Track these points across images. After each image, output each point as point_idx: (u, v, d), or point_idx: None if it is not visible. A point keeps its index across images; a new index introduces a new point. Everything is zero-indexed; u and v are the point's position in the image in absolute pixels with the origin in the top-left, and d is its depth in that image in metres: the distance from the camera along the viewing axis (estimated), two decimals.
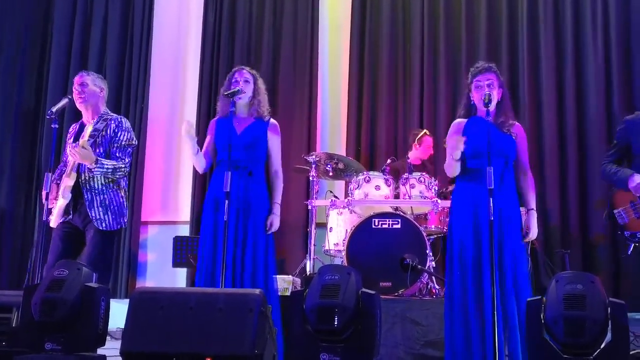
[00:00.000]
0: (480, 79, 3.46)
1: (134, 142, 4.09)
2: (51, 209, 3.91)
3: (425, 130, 5.72)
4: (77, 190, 3.90)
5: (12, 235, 6.68)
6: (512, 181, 3.46)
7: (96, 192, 3.91)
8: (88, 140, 3.91)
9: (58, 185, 3.97)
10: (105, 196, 3.93)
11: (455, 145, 3.32)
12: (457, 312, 3.29)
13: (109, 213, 3.92)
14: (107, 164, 3.89)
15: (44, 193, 3.71)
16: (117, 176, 3.97)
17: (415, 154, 5.67)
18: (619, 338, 2.54)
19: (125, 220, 4.05)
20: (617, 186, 3.99)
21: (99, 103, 4.08)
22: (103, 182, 3.93)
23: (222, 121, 3.83)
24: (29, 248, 6.54)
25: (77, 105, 4.05)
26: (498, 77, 3.50)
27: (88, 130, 3.92)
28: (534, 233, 3.45)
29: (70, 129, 4.19)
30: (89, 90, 4.04)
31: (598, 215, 5.66)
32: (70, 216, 3.91)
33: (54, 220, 3.92)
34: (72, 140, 4.01)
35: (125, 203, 4.05)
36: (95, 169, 3.85)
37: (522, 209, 3.50)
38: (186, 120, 3.69)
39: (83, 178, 3.89)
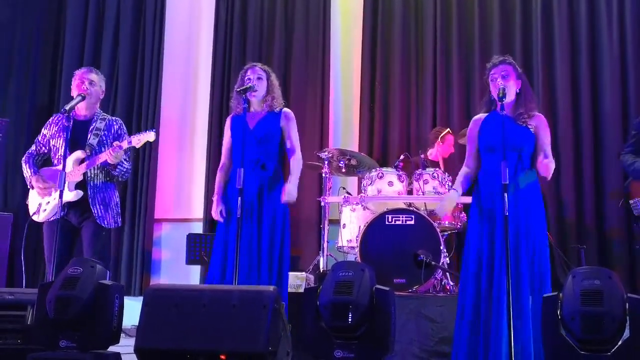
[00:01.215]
0: (495, 71, 3.43)
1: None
2: (40, 202, 3.96)
3: (448, 129, 5.71)
4: (78, 187, 3.96)
5: (27, 233, 6.68)
6: (528, 174, 3.41)
7: (97, 189, 4.00)
8: (93, 138, 3.97)
9: (41, 178, 4.00)
10: (105, 194, 4.03)
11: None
12: (467, 309, 3.26)
13: (109, 211, 4.03)
14: (126, 166, 4.04)
15: (57, 190, 3.72)
16: (125, 177, 4.12)
17: (437, 152, 5.66)
18: (637, 334, 2.51)
19: (120, 220, 4.17)
20: (633, 177, 3.95)
21: (96, 103, 4.14)
22: (104, 180, 4.02)
23: (236, 118, 3.86)
24: (40, 245, 6.57)
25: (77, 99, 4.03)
26: (515, 68, 3.46)
27: (144, 140, 3.93)
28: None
29: (54, 119, 4.20)
30: (95, 90, 4.10)
31: (614, 208, 5.59)
32: (65, 212, 3.92)
33: (44, 215, 3.95)
34: (68, 135, 3.83)
35: (119, 202, 4.16)
36: (117, 168, 3.96)
37: None
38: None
39: (88, 175, 3.96)
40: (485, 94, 3.57)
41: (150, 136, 3.93)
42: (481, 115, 3.55)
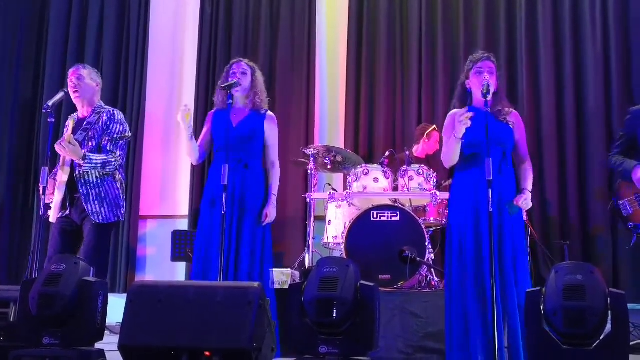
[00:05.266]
0: (482, 65, 3.45)
1: (127, 135, 4.07)
2: (49, 203, 3.91)
3: (434, 126, 5.72)
4: (72, 185, 3.90)
5: (10, 229, 6.66)
6: (511, 170, 3.45)
7: (91, 185, 3.90)
8: (80, 133, 3.91)
9: (55, 179, 3.96)
10: (101, 189, 3.92)
11: (461, 121, 3.25)
12: (455, 304, 3.28)
13: (105, 205, 3.92)
14: (95, 159, 3.88)
15: (41, 187, 3.69)
16: (108, 170, 3.95)
17: (422, 148, 5.67)
18: (618, 329, 2.53)
19: (123, 212, 4.06)
20: (622, 178, 3.98)
21: (94, 97, 4.07)
22: (98, 175, 3.93)
23: (219, 113, 3.83)
24: (27, 242, 6.53)
25: (73, 98, 4.03)
26: (497, 67, 3.50)
27: (70, 125, 3.89)
28: (527, 202, 3.40)
29: (67, 123, 4.18)
30: (86, 84, 4.03)
31: (597, 206, 5.65)
32: (68, 211, 3.91)
33: (52, 215, 3.92)
34: (51, 131, 3.90)
35: (121, 195, 4.03)
36: (84, 165, 3.85)
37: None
38: (184, 105, 3.67)
39: (78, 172, 3.89)
40: (458, 88, 3.58)
41: (70, 120, 3.85)
42: (458, 111, 3.52)
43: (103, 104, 4.11)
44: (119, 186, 4.02)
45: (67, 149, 3.78)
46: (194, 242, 3.77)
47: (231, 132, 3.68)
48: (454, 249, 3.35)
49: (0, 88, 6.86)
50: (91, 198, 3.89)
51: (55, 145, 3.81)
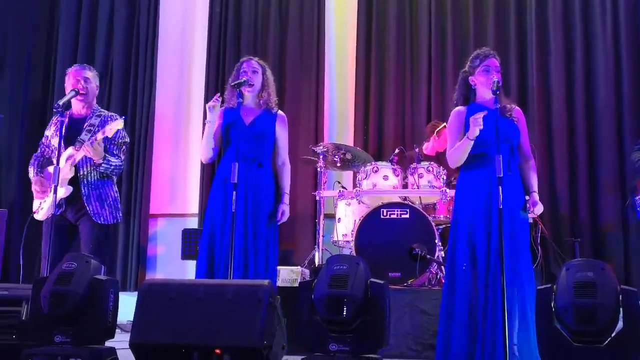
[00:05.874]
0: (489, 63, 3.44)
1: (127, 140, 4.17)
2: (40, 201, 3.97)
3: (444, 124, 5.69)
4: (72, 184, 3.93)
5: (21, 228, 6.69)
6: (517, 168, 3.45)
7: (93, 186, 3.97)
8: (85, 134, 3.96)
9: (42, 178, 4.01)
10: (101, 191, 4.00)
11: (476, 119, 3.25)
12: (459, 301, 3.26)
13: (106, 207, 4.00)
14: (112, 162, 3.98)
15: (52, 186, 3.71)
16: (115, 173, 4.06)
17: (432, 146, 5.65)
18: (630, 326, 2.51)
19: (120, 215, 4.13)
20: (638, 175, 4.00)
21: (93, 100, 4.15)
22: (99, 177, 4.00)
23: (229, 111, 3.81)
24: (38, 242, 6.56)
25: (75, 98, 4.03)
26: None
27: (115, 128, 3.88)
28: (539, 208, 3.45)
29: (54, 120, 4.17)
30: (91, 87, 4.12)
31: (608, 202, 5.63)
32: (62, 209, 3.92)
33: (43, 213, 3.96)
34: (64, 133, 3.90)
35: (119, 198, 4.12)
36: (103, 165, 3.91)
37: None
38: (217, 95, 3.70)
39: (81, 172, 3.95)
40: (460, 84, 3.57)
41: (119, 123, 3.89)
42: (461, 108, 3.51)
43: (99, 107, 4.18)
44: (115, 189, 4.12)
45: (95, 149, 3.83)
46: (202, 237, 3.76)
47: (244, 130, 3.68)
48: (461, 248, 3.33)
49: (11, 89, 6.90)
50: (92, 199, 3.95)
51: (84, 145, 3.84)
